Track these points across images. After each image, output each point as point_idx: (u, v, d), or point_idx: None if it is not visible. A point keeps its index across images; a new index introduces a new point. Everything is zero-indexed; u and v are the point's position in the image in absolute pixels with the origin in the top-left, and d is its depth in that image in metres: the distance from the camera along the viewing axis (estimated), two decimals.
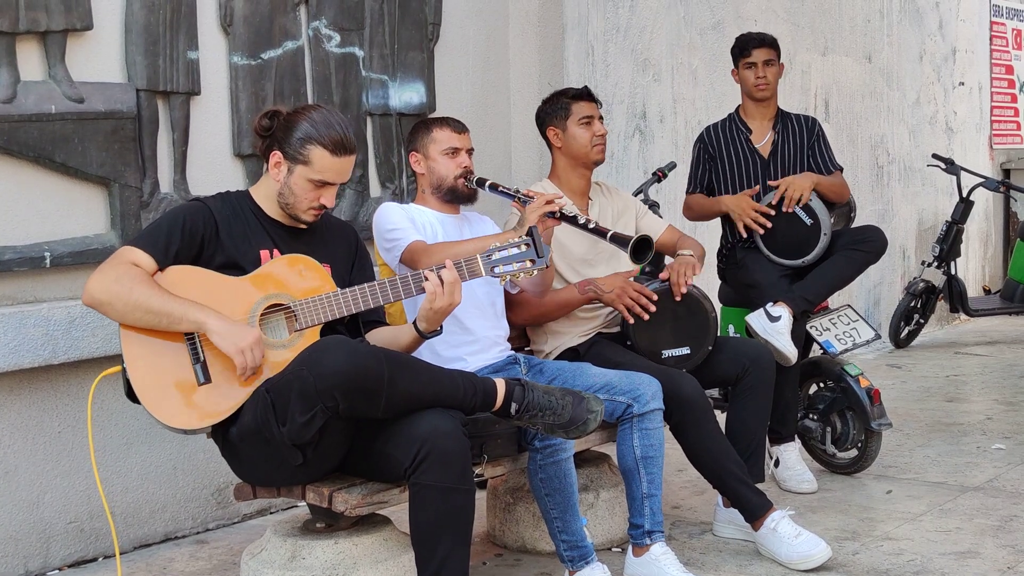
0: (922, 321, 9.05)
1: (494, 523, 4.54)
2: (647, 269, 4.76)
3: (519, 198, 4.03)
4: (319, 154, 3.52)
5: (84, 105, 4.31)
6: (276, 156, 3.55)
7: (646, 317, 4.28)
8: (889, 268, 9.24)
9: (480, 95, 5.94)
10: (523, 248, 3.59)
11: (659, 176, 5.63)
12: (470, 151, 4.20)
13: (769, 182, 5.19)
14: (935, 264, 8.91)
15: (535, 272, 3.62)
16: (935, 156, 8.93)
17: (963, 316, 9.53)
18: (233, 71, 4.83)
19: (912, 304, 8.92)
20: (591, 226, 3.96)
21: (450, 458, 3.24)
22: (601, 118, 4.59)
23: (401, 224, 4.03)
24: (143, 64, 4.49)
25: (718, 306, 5.54)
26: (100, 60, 4.41)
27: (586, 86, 4.65)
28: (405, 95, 5.53)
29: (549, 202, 3.90)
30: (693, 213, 5.50)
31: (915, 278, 8.99)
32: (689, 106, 7.14)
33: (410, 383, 3.27)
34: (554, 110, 4.57)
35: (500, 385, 3.44)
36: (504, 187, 4.11)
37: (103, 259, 4.24)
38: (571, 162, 4.56)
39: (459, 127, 4.21)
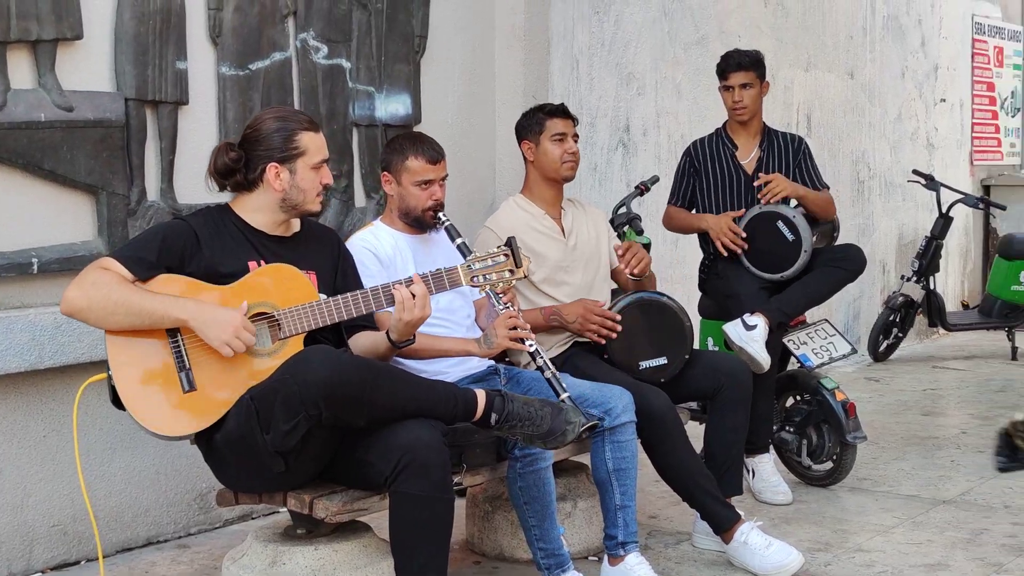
0: (900, 335, 9.14)
1: (473, 531, 4.61)
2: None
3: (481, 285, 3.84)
4: (308, 139, 3.64)
5: (73, 113, 4.36)
6: (274, 168, 3.61)
7: (614, 336, 4.36)
8: (869, 282, 9.33)
9: (465, 107, 6.01)
10: (502, 258, 3.67)
11: (641, 190, 5.69)
12: (443, 179, 4.24)
13: (760, 174, 5.27)
14: (914, 279, 9.00)
15: (514, 281, 3.69)
16: (915, 172, 9.03)
17: (942, 331, 9.62)
18: (221, 81, 4.89)
19: (891, 318, 9.01)
20: (546, 375, 3.86)
21: (430, 468, 3.30)
22: (576, 136, 4.65)
23: (365, 281, 3.93)
24: (132, 73, 4.55)
25: (698, 319, 5.63)
26: (90, 69, 4.46)
27: (563, 103, 4.73)
28: (391, 106, 5.60)
29: (514, 328, 3.86)
30: (673, 225, 5.58)
31: (894, 292, 9.08)
32: (672, 120, 7.22)
33: (392, 393, 3.33)
34: (530, 124, 4.66)
35: (480, 396, 3.50)
36: (469, 252, 3.95)
37: None
38: (542, 176, 4.65)
39: (434, 155, 4.20)
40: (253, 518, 5.06)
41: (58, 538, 4.46)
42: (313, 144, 3.67)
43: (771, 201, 5.14)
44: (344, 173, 5.39)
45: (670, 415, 4.26)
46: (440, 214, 4.19)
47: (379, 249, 4.16)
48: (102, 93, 4.48)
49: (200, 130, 4.83)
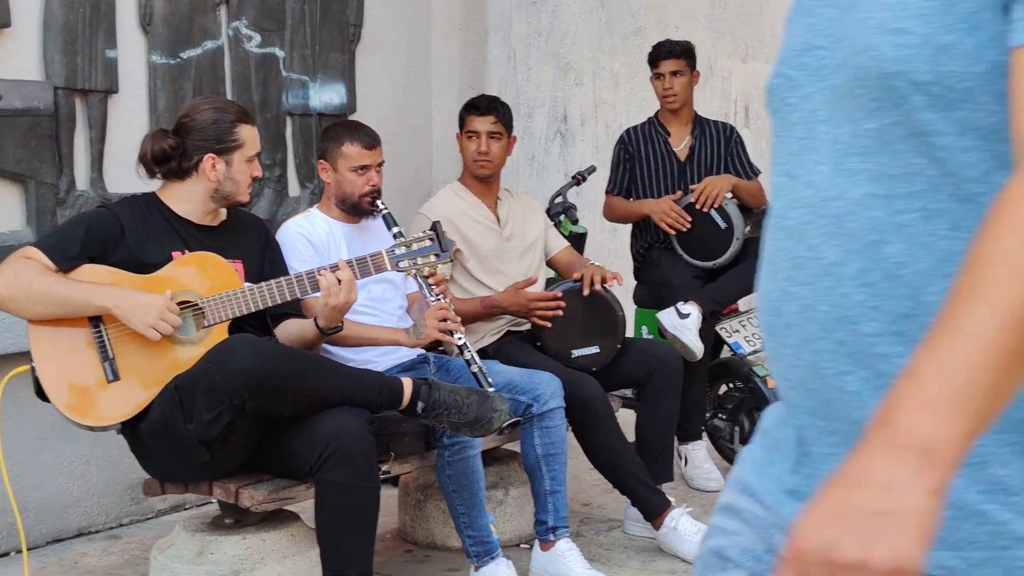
0: None
1: (405, 520, 4.62)
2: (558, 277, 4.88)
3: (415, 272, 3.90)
4: (246, 131, 3.67)
5: (1, 103, 4.33)
6: (211, 159, 3.61)
7: (560, 313, 4.39)
8: None
9: (401, 97, 6.02)
10: (427, 243, 3.68)
11: (578, 179, 5.72)
12: (380, 165, 4.24)
13: (692, 187, 5.30)
14: None
15: (439, 266, 3.71)
16: None
17: None
18: (152, 70, 4.86)
19: None
20: (473, 369, 3.92)
21: (355, 457, 3.32)
22: (495, 135, 4.62)
23: (299, 267, 3.90)
24: (61, 62, 4.51)
25: (633, 307, 5.67)
26: (18, 57, 4.42)
27: (482, 97, 4.73)
28: (325, 96, 5.59)
29: (444, 319, 3.90)
30: (614, 215, 5.60)
31: None
32: (610, 110, 7.26)
33: (317, 382, 3.34)
34: (460, 116, 4.69)
35: (407, 384, 3.52)
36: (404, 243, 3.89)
37: None
38: (466, 169, 4.67)
39: (370, 141, 4.21)
40: (186, 508, 5.04)
41: None
42: (250, 137, 3.69)
43: (708, 207, 5.17)
44: (278, 162, 5.38)
45: (601, 402, 4.30)
46: (378, 202, 4.19)
47: (312, 235, 4.16)
48: (30, 82, 4.44)
49: (130, 119, 4.80)
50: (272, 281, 3.54)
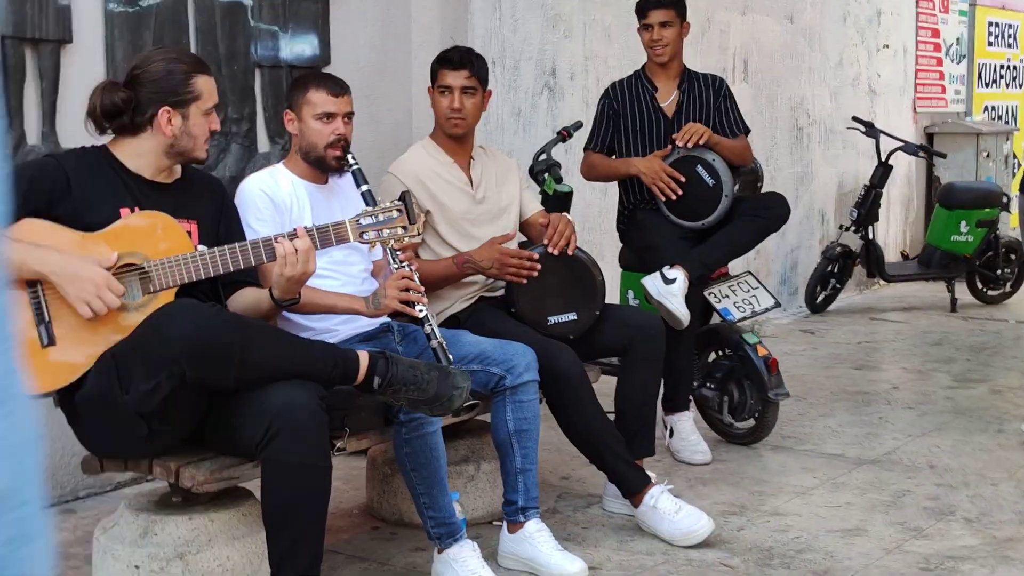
0: (839, 286, 8.98)
1: (372, 495, 4.40)
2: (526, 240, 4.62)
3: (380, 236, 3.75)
4: (203, 82, 3.42)
5: None
6: (166, 113, 3.35)
7: (535, 275, 4.14)
8: (807, 232, 9.16)
9: (379, 48, 5.74)
10: (394, 214, 3.43)
11: (563, 136, 5.40)
12: (348, 116, 3.96)
13: (673, 136, 5.02)
14: (853, 228, 8.83)
15: (405, 239, 3.46)
16: (855, 119, 8.83)
17: (881, 282, 9.48)
18: (109, 18, 4.59)
19: (829, 269, 8.84)
20: (432, 344, 3.64)
21: (304, 433, 3.08)
22: (469, 90, 4.33)
23: (258, 225, 3.75)
24: (8, 10, 4.24)
25: (618, 271, 5.42)
26: None
27: (455, 50, 4.43)
28: (297, 47, 5.32)
29: (406, 289, 3.63)
30: (596, 173, 5.33)
31: (832, 243, 8.90)
32: (601, 64, 6.98)
33: (263, 352, 3.10)
34: (432, 69, 4.41)
35: (363, 358, 3.28)
36: (375, 202, 3.74)
37: None
38: (438, 127, 4.41)
39: (337, 89, 3.94)
40: (148, 480, 4.81)
41: None
42: (207, 88, 3.43)
43: (690, 144, 4.89)
44: (246, 117, 5.12)
45: (576, 372, 4.06)
46: (348, 156, 3.93)
47: (275, 193, 3.90)
48: None
49: (85, 70, 4.53)
50: (226, 247, 3.29)
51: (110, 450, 3.33)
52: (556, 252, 4.21)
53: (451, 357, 3.61)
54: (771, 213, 5.01)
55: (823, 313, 8.92)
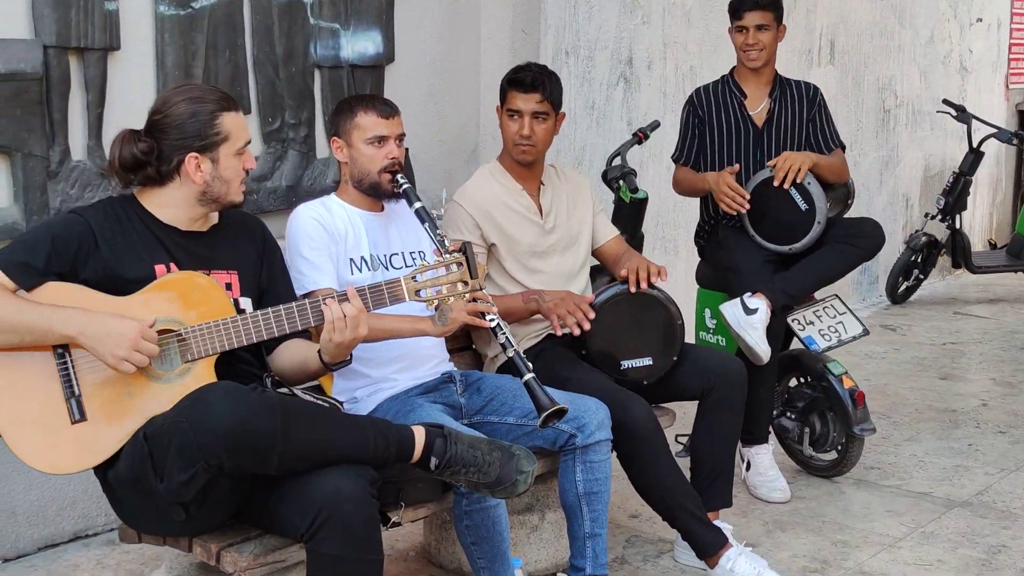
0: (921, 277, 8.59)
1: (430, 540, 4.15)
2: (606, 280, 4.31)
3: (438, 244, 3.51)
4: (229, 121, 3.11)
5: None
6: (193, 159, 3.07)
7: (576, 332, 3.84)
8: (891, 218, 8.74)
9: (446, 43, 5.40)
10: (454, 268, 3.14)
11: (640, 138, 5.06)
12: (400, 138, 3.68)
13: (768, 163, 4.67)
14: (939, 217, 8.42)
15: (466, 296, 3.17)
16: (945, 102, 8.39)
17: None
18: (159, 23, 4.32)
19: (912, 259, 8.45)
20: (509, 353, 3.41)
21: (353, 526, 2.81)
22: (540, 115, 3.99)
23: (312, 256, 3.53)
24: (52, 17, 3.99)
25: (694, 288, 5.10)
26: (2, 14, 3.91)
27: (527, 70, 4.05)
28: (359, 45, 5.01)
29: (474, 299, 3.36)
30: (681, 188, 4.99)
31: (917, 231, 8.50)
32: (681, 50, 6.60)
33: (308, 438, 2.83)
34: (501, 88, 4.09)
35: (419, 435, 3.01)
36: (429, 219, 3.57)
37: (6, 236, 3.83)
38: (506, 151, 4.11)
39: (387, 110, 3.66)
40: None
41: None
42: (235, 126, 3.13)
43: (787, 184, 4.55)
44: (304, 121, 4.84)
45: (650, 427, 3.76)
46: (397, 176, 3.65)
47: (329, 222, 3.63)
48: (15, 41, 3.95)
49: (134, 79, 4.28)
50: (270, 310, 3.01)
51: (148, 527, 3.08)
52: (636, 289, 3.92)
53: (530, 365, 3.37)
54: (866, 243, 4.66)
55: (904, 304, 8.54)
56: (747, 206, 4.59)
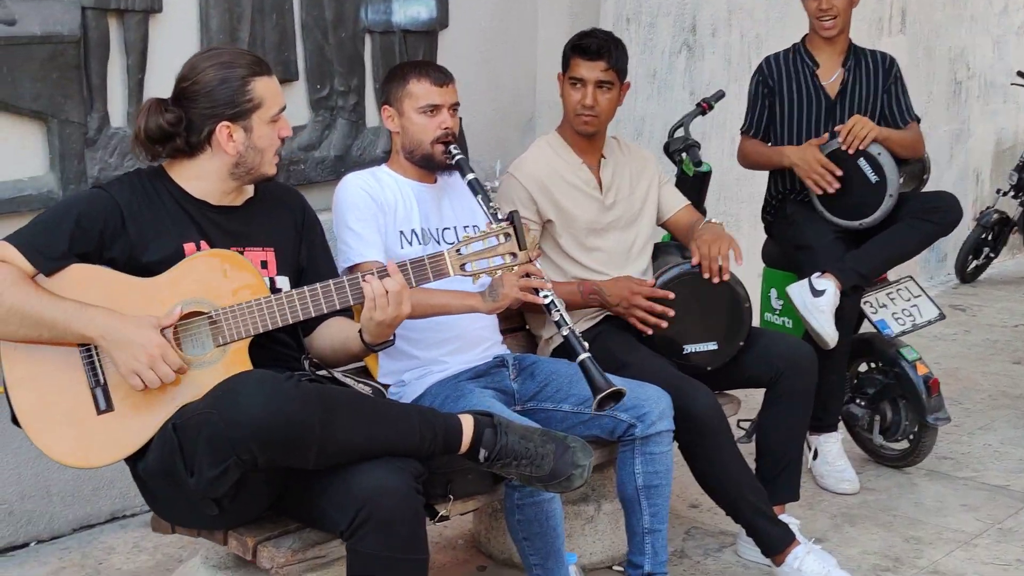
0: (992, 255, 8.29)
1: (479, 528, 3.96)
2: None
3: (491, 217, 3.31)
4: (262, 86, 2.91)
5: (16, 28, 3.68)
6: (225, 128, 2.87)
7: (664, 326, 3.63)
8: (961, 194, 8.39)
9: (502, 9, 5.18)
10: (502, 239, 2.92)
11: (703, 108, 4.81)
12: (454, 107, 3.48)
13: (836, 127, 4.43)
14: (1011, 194, 8.11)
15: (515, 269, 2.96)
16: (1020, 74, 8.07)
17: None
18: None
19: (983, 236, 8.15)
20: (564, 332, 3.21)
21: (395, 524, 2.62)
22: (605, 84, 3.78)
23: (359, 227, 3.35)
24: None
25: (761, 266, 4.87)
26: None
27: (592, 36, 3.83)
28: (411, 9, 4.79)
29: (527, 275, 3.18)
30: (749, 162, 4.74)
31: (987, 208, 8.20)
32: (747, 17, 6.33)
33: (349, 431, 2.64)
34: (564, 55, 3.86)
35: (467, 425, 2.81)
36: (482, 191, 3.37)
37: (40, 206, 3.68)
38: (566, 120, 3.88)
39: (441, 78, 3.47)
40: None
41: (3, 518, 3.89)
42: (268, 92, 2.92)
43: (852, 148, 4.31)
44: (354, 89, 4.64)
45: (715, 417, 3.54)
46: (451, 148, 3.45)
47: (378, 193, 3.44)
48: (52, 1, 3.77)
49: (177, 42, 4.09)
50: (305, 289, 2.82)
51: (181, 519, 2.91)
52: (712, 277, 3.70)
53: (586, 345, 3.17)
54: (943, 217, 4.40)
55: (974, 283, 8.25)
56: (837, 184, 4.35)
